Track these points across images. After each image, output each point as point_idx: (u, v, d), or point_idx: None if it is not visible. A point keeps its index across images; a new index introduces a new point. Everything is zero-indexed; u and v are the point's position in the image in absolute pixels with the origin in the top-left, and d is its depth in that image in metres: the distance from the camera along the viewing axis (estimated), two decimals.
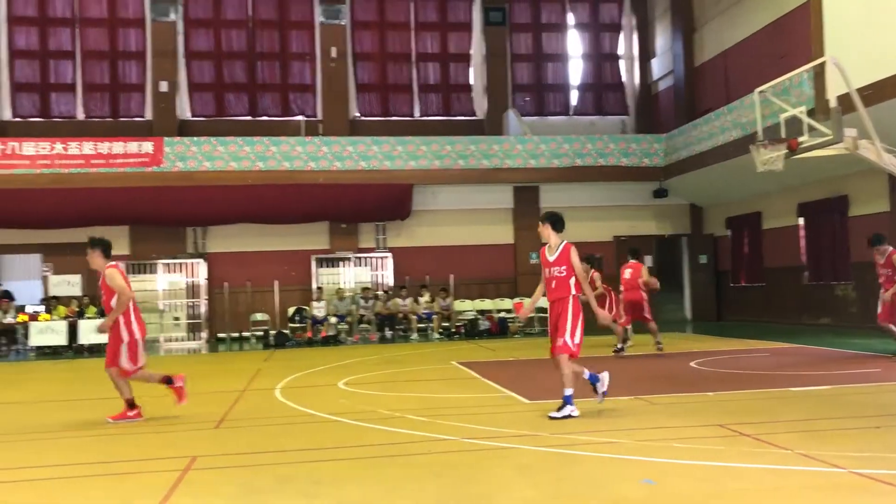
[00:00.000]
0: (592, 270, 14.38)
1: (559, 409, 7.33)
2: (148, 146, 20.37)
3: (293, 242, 21.67)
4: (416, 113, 24.27)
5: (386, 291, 21.13)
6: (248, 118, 23.34)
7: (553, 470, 5.56)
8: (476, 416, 7.79)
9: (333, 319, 19.79)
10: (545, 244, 7.78)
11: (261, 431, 7.51)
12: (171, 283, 21.25)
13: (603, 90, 25.49)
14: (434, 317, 20.04)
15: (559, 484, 5.18)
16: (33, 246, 21.10)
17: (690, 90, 23.37)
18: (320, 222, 21.88)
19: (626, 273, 13.72)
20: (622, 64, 25.60)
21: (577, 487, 5.09)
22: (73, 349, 18.22)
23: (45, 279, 21.15)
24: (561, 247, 7.63)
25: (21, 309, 19.10)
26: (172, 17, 22.79)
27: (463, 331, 19.72)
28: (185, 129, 22.47)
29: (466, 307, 21.12)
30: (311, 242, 21.85)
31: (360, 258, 22.19)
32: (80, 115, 22.78)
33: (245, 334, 20.80)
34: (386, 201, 21.45)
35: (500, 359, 13.69)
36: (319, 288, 20.86)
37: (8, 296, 19.95)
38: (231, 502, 4.95)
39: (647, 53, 25.42)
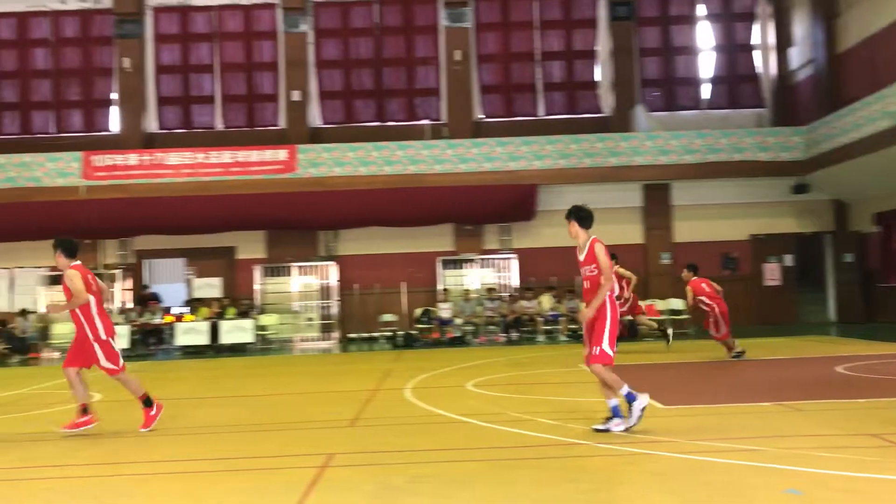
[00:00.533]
0: (616, 267, 14.01)
1: (630, 411, 6.74)
2: (282, 154, 21.18)
3: (419, 245, 21.97)
4: (541, 112, 24.08)
5: (511, 294, 21.08)
6: (376, 124, 23.85)
7: (691, 477, 5.34)
8: None
9: (459, 321, 19.93)
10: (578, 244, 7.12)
11: (393, 431, 7.61)
12: (305, 284, 22.00)
13: (737, 82, 24.46)
14: (561, 319, 19.82)
15: (698, 491, 4.97)
16: (178, 251, 22.36)
17: (832, 79, 22.04)
18: (445, 224, 22.08)
19: (705, 286, 13.25)
20: (757, 54, 24.49)
21: (716, 496, 4.86)
22: (214, 348, 19.19)
23: (188, 282, 22.39)
24: (588, 244, 6.97)
25: (167, 310, 20.31)
26: (303, 27, 23.61)
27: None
28: (316, 136, 23.20)
29: None
30: (436, 244, 22.09)
31: (484, 260, 22.23)
32: (219, 126, 23.95)
33: (374, 335, 21.25)
34: (510, 202, 21.40)
35: (631, 362, 13.35)
36: (445, 289, 21.06)
37: (155, 298, 21.27)
38: (370, 500, 5.03)
39: (784, 42, 24.19)
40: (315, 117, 23.81)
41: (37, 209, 20.53)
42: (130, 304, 21.29)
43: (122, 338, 18.78)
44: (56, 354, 19.77)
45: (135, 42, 23.43)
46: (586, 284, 6.99)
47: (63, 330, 20.17)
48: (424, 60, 24.08)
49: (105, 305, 8.21)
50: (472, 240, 22.28)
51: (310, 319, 21.83)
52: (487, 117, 23.94)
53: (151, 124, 23.72)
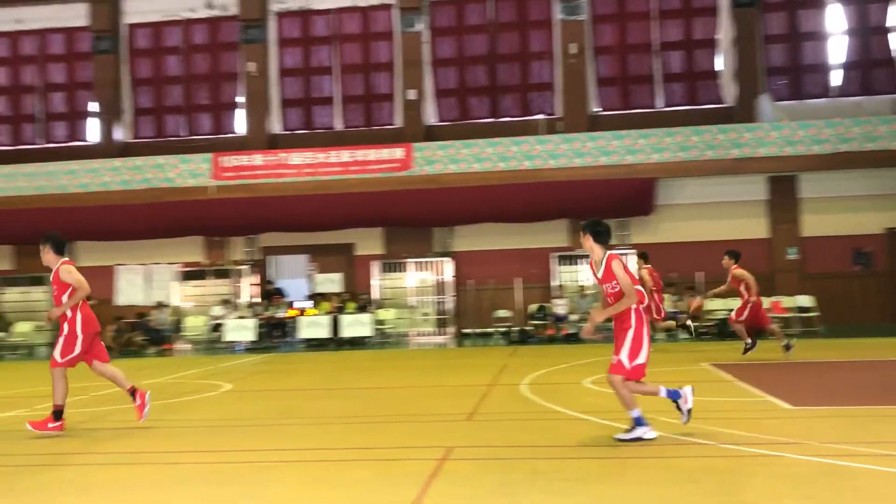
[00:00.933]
0: (644, 268, 14.89)
1: (628, 430, 6.51)
2: (398, 152, 21.56)
3: (534, 240, 21.88)
4: (659, 104, 23.49)
5: None
6: (490, 120, 23.90)
7: (827, 482, 5.10)
8: (733, 420, 7.36)
9: (575, 317, 19.72)
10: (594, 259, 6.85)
11: (511, 426, 7.63)
12: (421, 280, 22.34)
13: (870, 67, 23.06)
14: (681, 316, 19.28)
15: (836, 498, 4.75)
16: (301, 247, 23.17)
17: None
18: (560, 220, 21.91)
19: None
20: (893, 37, 23.02)
21: (857, 503, 4.64)
22: (335, 341, 19.75)
23: (310, 277, 23.14)
24: (604, 261, 6.68)
25: (291, 304, 21.08)
26: (418, 27, 23.93)
27: (714, 331, 18.81)
28: (431, 133, 23.47)
29: (717, 306, 20.08)
30: (551, 240, 21.95)
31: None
32: (339, 126, 24.60)
33: (489, 330, 21.33)
34: (628, 197, 20.99)
35: (757, 361, 12.88)
36: (560, 285, 20.89)
37: (280, 293, 22.10)
38: (489, 493, 5.08)
39: None
40: (430, 115, 24.08)
41: (170, 208, 21.73)
42: (257, 299, 22.21)
43: (248, 330, 19.74)
44: (188, 346, 20.89)
45: (259, 47, 24.36)
46: (610, 300, 6.79)
47: (196, 322, 21.31)
48: (539, 55, 23.94)
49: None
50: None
51: (426, 314, 22.14)
52: (604, 110, 23.56)
53: (275, 126, 24.62)
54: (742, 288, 13.07)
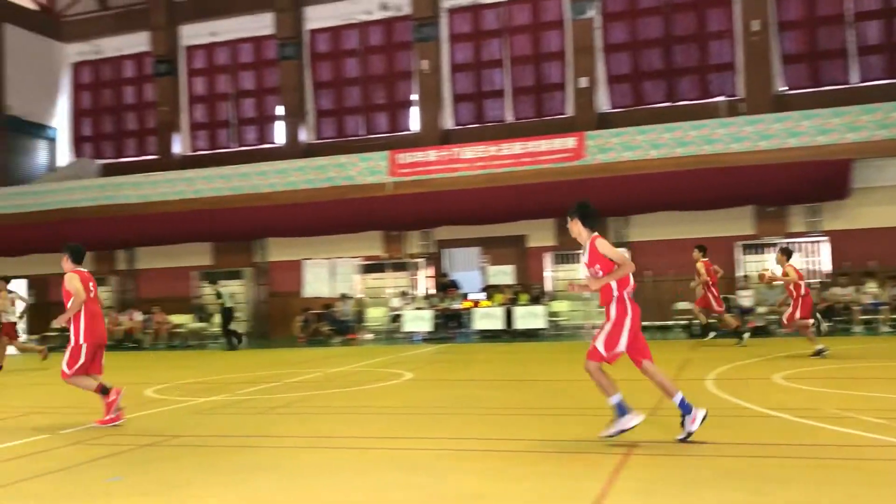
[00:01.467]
0: (702, 261, 14.81)
1: (611, 422, 6.23)
2: (570, 141, 21.29)
3: (716, 229, 20.91)
4: (854, 79, 21.74)
5: (822, 280, 19.32)
6: (666, 104, 23.10)
7: None
8: None
9: (762, 309, 18.68)
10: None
11: None
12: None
13: None
14: (882, 307, 17.79)
15: None
16: (473, 240, 23.46)
17: None
18: (744, 206, 20.81)
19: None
20: None
21: None
22: (508, 333, 19.86)
23: (483, 269, 23.40)
24: (588, 243, 6.33)
25: (465, 296, 21.41)
26: (590, 13, 23.50)
27: None
28: (604, 121, 23.01)
29: None
30: (734, 228, 20.91)
31: (790, 243, 20.59)
32: (509, 118, 24.67)
33: (668, 323, 20.63)
34: (819, 180, 19.59)
35: None
36: (746, 276, 19.85)
37: (454, 285, 22.51)
38: (677, 491, 4.89)
39: None
40: (603, 102, 23.62)
41: (351, 205, 22.67)
42: (433, 291, 22.75)
43: (425, 321, 20.25)
44: (370, 336, 21.73)
45: (431, 44, 24.88)
46: (595, 287, 6.44)
47: (376, 313, 22.13)
48: (718, 34, 22.86)
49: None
50: (775, 222, 20.78)
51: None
52: (790, 89, 22.13)
53: (447, 121, 25.06)
54: (791, 287, 12.58)
